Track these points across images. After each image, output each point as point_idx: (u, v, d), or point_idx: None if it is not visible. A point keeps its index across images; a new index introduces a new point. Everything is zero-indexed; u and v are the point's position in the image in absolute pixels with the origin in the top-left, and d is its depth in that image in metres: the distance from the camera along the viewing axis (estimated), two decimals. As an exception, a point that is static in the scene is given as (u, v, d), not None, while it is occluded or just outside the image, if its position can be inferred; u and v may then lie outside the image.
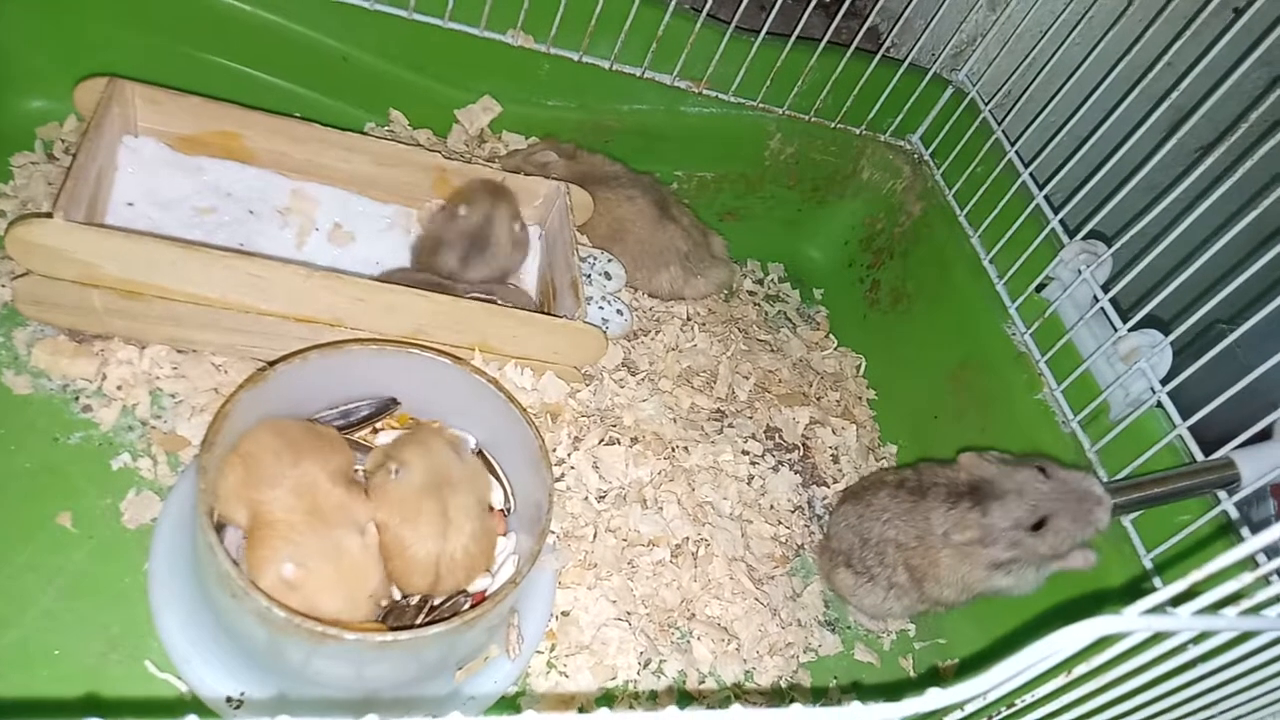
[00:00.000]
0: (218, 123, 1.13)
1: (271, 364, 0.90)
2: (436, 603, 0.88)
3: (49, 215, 0.90)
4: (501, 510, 0.97)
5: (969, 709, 0.59)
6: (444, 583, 0.87)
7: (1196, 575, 0.52)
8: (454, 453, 0.91)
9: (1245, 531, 0.98)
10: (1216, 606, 0.53)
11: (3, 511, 0.89)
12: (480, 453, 1.00)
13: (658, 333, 1.34)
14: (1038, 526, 1.00)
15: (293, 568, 0.78)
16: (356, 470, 0.92)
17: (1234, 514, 0.99)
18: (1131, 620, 0.50)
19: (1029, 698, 0.61)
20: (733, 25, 1.36)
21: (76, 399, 0.98)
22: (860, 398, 1.45)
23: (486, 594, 0.90)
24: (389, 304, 1.01)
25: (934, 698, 0.47)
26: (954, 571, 1.05)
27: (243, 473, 0.83)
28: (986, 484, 1.04)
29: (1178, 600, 0.52)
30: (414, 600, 0.87)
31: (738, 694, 1.03)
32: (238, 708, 0.81)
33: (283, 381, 0.89)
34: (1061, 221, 1.27)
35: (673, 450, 1.19)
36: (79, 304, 0.97)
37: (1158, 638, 0.55)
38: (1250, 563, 0.91)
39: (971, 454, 1.08)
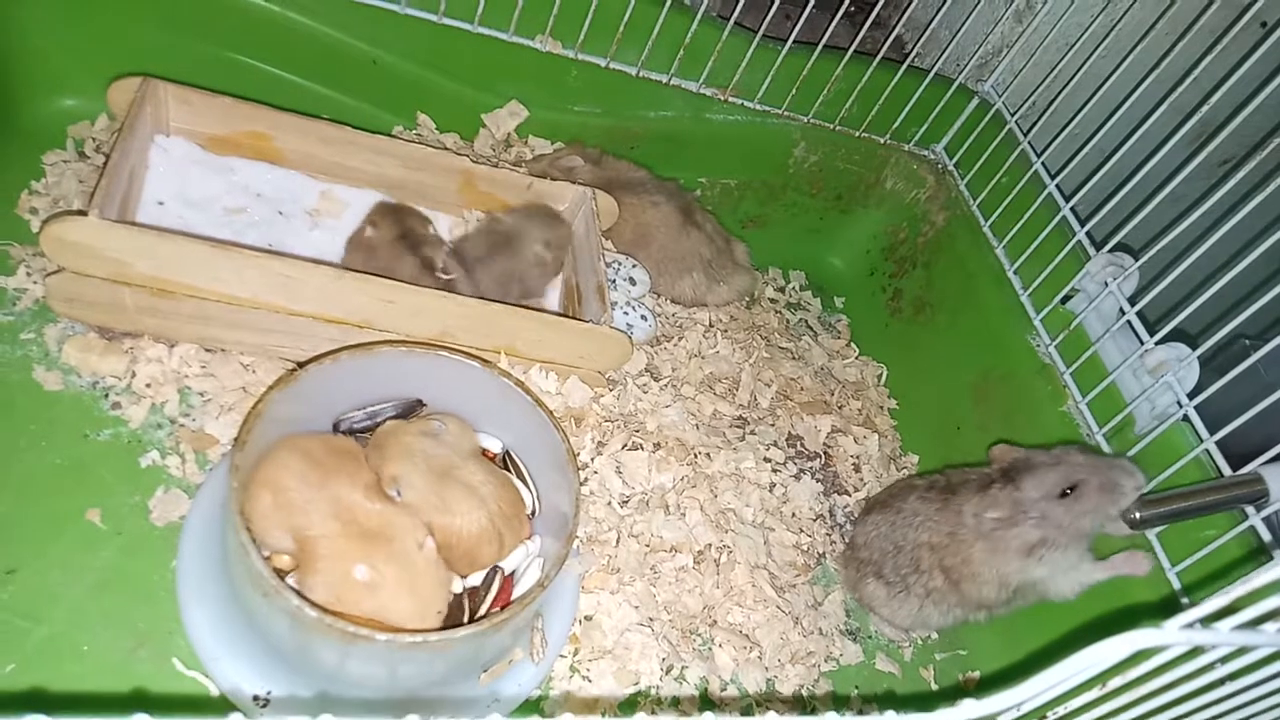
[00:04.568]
0: (248, 123, 1.14)
1: (301, 365, 0.90)
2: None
3: (83, 213, 0.91)
4: (528, 513, 0.97)
5: (1001, 720, 0.59)
6: (508, 538, 0.91)
7: (1237, 591, 0.52)
8: (429, 437, 0.92)
9: (1273, 549, 0.98)
10: (1252, 624, 0.53)
11: (33, 507, 0.89)
12: (507, 455, 1.00)
13: (680, 339, 1.34)
14: (1066, 495, 1.01)
15: (365, 569, 0.79)
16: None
17: (1261, 529, 0.99)
18: (1171, 634, 0.50)
19: (1061, 710, 0.60)
20: (759, 34, 1.37)
21: (106, 396, 0.99)
22: (882, 407, 1.45)
23: (513, 597, 0.90)
24: (417, 306, 1.02)
25: (968, 708, 0.47)
26: (988, 565, 1.05)
27: (271, 499, 0.83)
28: (1020, 462, 1.05)
29: (1210, 617, 0.52)
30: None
31: (760, 702, 1.03)
32: (264, 706, 0.82)
33: (313, 382, 0.89)
34: (1088, 233, 1.26)
35: (695, 456, 1.20)
36: (110, 302, 0.98)
37: (1192, 653, 0.55)
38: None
39: (1003, 445, 1.09)
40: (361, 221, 1.15)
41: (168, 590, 0.88)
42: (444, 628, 0.83)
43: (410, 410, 1.00)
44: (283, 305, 1.00)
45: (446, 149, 1.30)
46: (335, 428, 0.97)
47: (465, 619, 0.87)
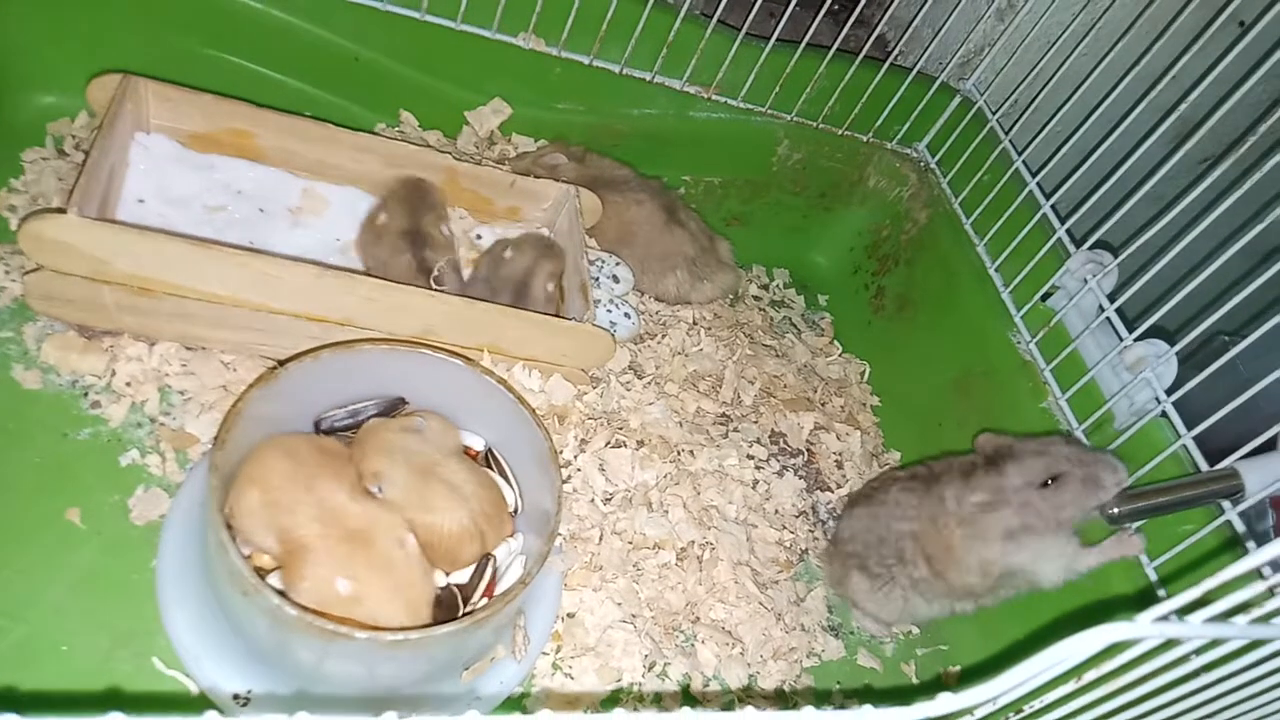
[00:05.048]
0: (230, 120, 1.13)
1: (282, 363, 0.90)
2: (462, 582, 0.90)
3: (62, 210, 0.90)
4: (510, 511, 0.97)
5: (978, 714, 0.60)
6: (490, 537, 0.91)
7: (1209, 584, 0.52)
8: (411, 434, 0.91)
9: (1247, 542, 0.99)
10: (1225, 616, 0.54)
11: (11, 507, 0.89)
12: (490, 453, 1.00)
13: (664, 336, 1.34)
14: (1047, 485, 1.01)
15: (347, 583, 0.78)
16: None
17: (1237, 524, 1.00)
18: (1145, 627, 0.50)
19: (1037, 704, 0.61)
20: (743, 32, 1.37)
21: (85, 395, 0.98)
22: (864, 404, 1.46)
23: (495, 594, 0.90)
24: (399, 304, 1.02)
25: (945, 702, 0.47)
26: (970, 551, 1.03)
27: (259, 496, 0.82)
28: (1005, 449, 1.05)
29: (1184, 610, 0.52)
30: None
31: (742, 698, 1.03)
32: (244, 705, 0.81)
33: (294, 380, 0.89)
34: (1068, 231, 1.27)
35: (678, 454, 1.20)
36: (90, 300, 0.97)
37: (1166, 645, 0.55)
38: (1255, 574, 0.91)
39: (988, 434, 1.09)
40: (378, 200, 1.16)
41: (147, 589, 0.87)
42: (432, 624, 0.83)
43: (392, 408, 0.99)
44: (263, 303, 0.99)
45: (429, 146, 1.29)
46: (317, 426, 0.97)
47: (461, 611, 0.87)
